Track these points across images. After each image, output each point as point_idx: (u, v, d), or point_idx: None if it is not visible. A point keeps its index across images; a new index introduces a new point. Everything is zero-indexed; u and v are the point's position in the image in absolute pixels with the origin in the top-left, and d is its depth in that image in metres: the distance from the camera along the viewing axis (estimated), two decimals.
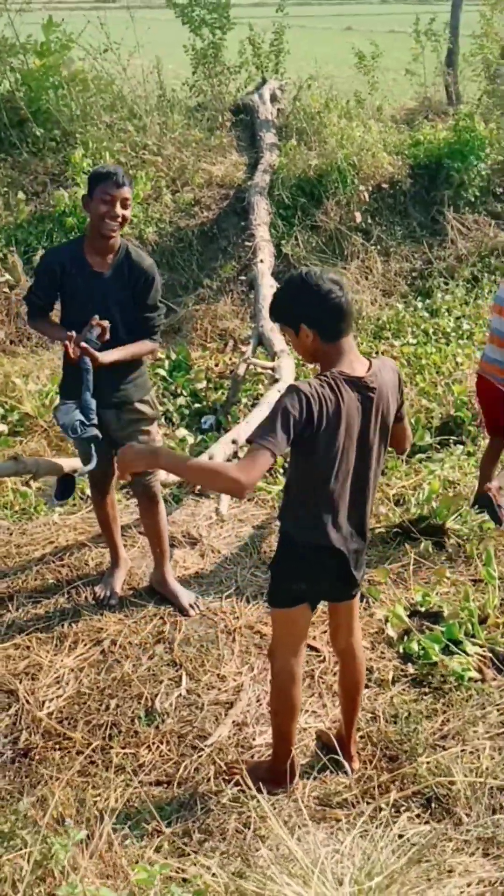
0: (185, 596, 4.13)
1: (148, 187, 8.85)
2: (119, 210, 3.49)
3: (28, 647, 3.91)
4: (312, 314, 2.62)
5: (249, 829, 2.81)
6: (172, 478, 4.72)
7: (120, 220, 3.51)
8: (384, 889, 2.34)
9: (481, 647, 3.83)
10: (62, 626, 4.03)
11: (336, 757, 3.12)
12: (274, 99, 10.85)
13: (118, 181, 3.44)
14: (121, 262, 3.59)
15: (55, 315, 3.90)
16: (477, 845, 2.76)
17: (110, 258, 3.57)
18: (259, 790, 2.85)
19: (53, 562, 4.45)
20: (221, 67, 11.08)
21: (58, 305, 3.82)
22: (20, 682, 3.70)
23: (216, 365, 7.38)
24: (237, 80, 11.23)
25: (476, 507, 4.78)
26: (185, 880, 2.48)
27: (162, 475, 4.19)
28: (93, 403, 3.57)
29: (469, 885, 2.48)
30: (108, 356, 3.55)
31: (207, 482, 2.58)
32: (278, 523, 2.92)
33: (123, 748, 3.37)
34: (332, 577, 2.84)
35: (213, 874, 2.31)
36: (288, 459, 2.82)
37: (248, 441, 2.58)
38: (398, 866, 2.42)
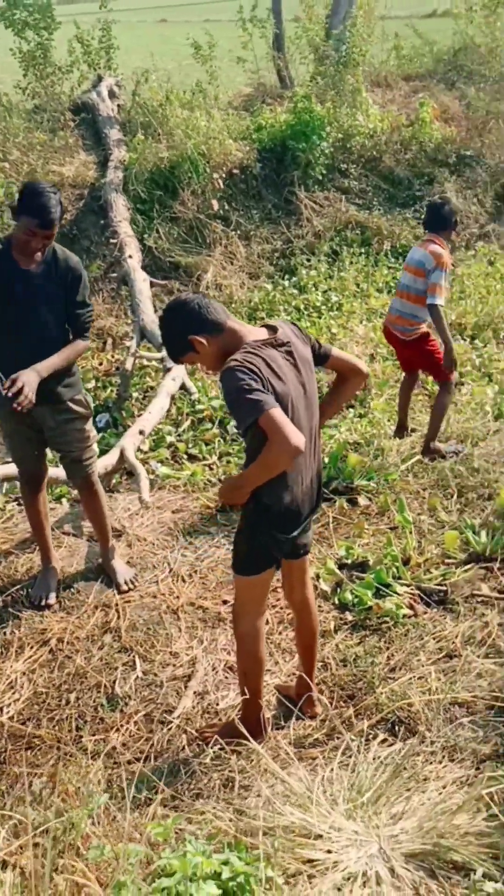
0: (122, 573, 4.31)
1: (0, 195, 8.72)
2: (39, 244, 3.53)
3: None
4: (190, 325, 2.85)
5: (236, 780, 2.97)
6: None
7: (40, 248, 3.56)
8: (374, 802, 2.57)
9: (408, 586, 4.13)
10: (4, 633, 4.04)
11: (311, 694, 3.34)
12: (113, 95, 10.86)
13: (44, 223, 3.43)
14: (48, 261, 3.63)
15: None
16: (443, 754, 3.04)
17: (38, 256, 3.60)
18: (239, 744, 3.03)
19: None
20: (52, 68, 10.99)
21: None
22: None
23: (100, 364, 7.43)
24: (70, 79, 11.16)
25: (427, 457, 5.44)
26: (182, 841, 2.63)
27: (100, 468, 4.32)
28: None
29: (444, 787, 2.74)
30: (44, 368, 3.61)
31: (272, 469, 2.72)
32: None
33: (93, 735, 3.46)
34: (298, 534, 3.03)
35: (219, 817, 2.47)
36: (239, 439, 2.95)
37: (247, 427, 2.68)
38: (382, 781, 2.66)
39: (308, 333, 3.05)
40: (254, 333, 2.90)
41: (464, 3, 13.02)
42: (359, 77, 10.78)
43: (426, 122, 10.67)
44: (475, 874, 2.28)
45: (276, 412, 2.61)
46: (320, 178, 9.89)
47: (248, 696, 3.14)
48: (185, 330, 2.85)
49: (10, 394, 3.43)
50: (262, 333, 2.91)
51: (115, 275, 8.31)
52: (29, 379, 3.50)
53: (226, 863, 2.20)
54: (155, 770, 3.21)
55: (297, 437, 2.61)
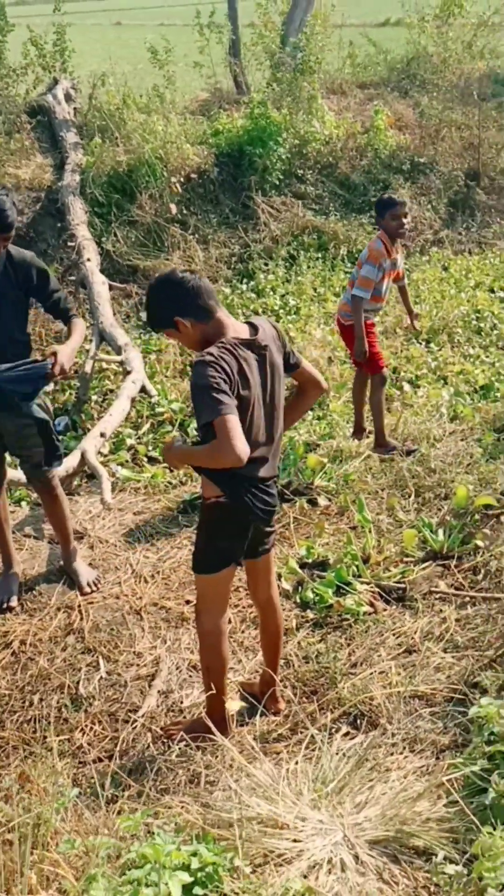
0: (85, 575, 4.31)
1: None
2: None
3: None
4: (180, 305, 2.88)
5: (202, 776, 3.01)
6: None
7: None
8: (338, 792, 2.64)
9: (368, 584, 4.21)
10: None
11: (274, 690, 3.41)
12: (69, 98, 10.82)
13: (2, 227, 3.47)
14: (4, 261, 3.64)
15: None
16: (403, 745, 3.12)
17: None
18: (205, 740, 3.07)
19: None
20: (6, 70, 10.93)
21: None
22: None
23: None
24: (25, 81, 11.10)
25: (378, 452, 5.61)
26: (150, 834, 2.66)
27: (61, 470, 4.37)
28: None
29: (406, 776, 2.82)
30: (73, 349, 3.79)
31: (213, 462, 2.82)
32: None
33: (59, 736, 3.47)
34: (258, 529, 3.09)
35: (187, 810, 2.52)
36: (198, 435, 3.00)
37: (204, 425, 2.77)
38: (345, 772, 2.72)
39: (285, 339, 3.11)
40: (237, 329, 2.94)
41: (416, 12, 13.21)
42: (314, 84, 10.89)
43: (381, 129, 10.82)
44: (436, 858, 2.35)
45: (231, 419, 2.68)
46: (277, 183, 9.97)
47: (213, 692, 3.19)
48: (173, 309, 2.88)
49: (56, 372, 3.67)
50: (245, 331, 2.96)
51: (73, 278, 8.30)
52: (67, 355, 3.72)
53: (194, 854, 2.25)
54: (121, 768, 3.24)
55: (243, 449, 2.69)
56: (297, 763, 2.90)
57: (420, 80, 12.61)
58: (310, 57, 10.96)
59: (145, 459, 6.03)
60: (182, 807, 2.61)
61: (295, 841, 2.41)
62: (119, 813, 2.70)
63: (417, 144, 11.25)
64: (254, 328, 2.97)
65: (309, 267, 9.17)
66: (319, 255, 9.42)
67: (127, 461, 5.95)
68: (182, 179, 9.46)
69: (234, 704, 3.48)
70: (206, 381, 2.71)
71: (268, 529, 3.20)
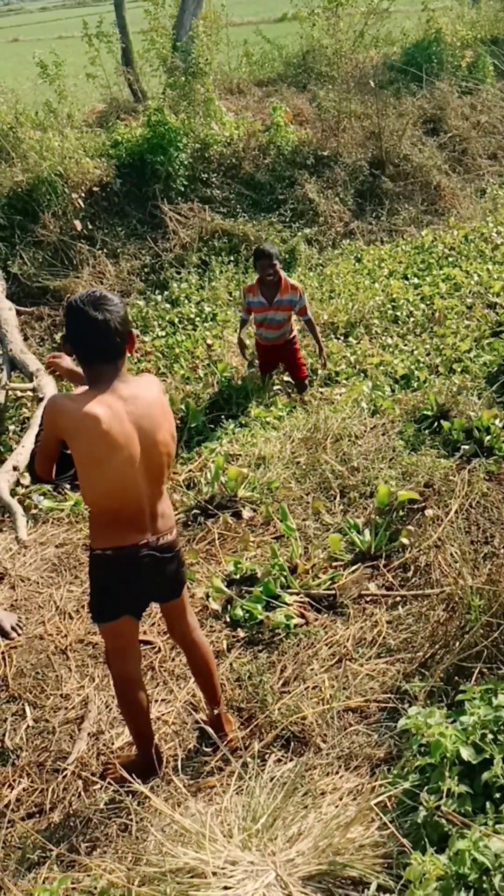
0: (6, 619, 4.13)
1: None
2: None
3: None
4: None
5: (133, 824, 2.88)
6: None
7: None
8: (270, 827, 2.53)
9: (297, 594, 4.11)
10: None
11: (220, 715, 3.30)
12: None
13: None
14: None
15: None
16: (338, 764, 3.02)
17: None
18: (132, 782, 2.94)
19: None
20: None
21: None
22: None
23: None
24: None
25: None
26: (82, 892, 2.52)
27: None
28: None
29: (341, 798, 2.73)
30: None
31: None
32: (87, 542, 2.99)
33: None
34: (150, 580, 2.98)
35: (112, 870, 2.38)
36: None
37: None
38: (277, 804, 2.62)
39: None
40: None
41: (305, 6, 13.17)
42: (209, 86, 10.78)
43: (281, 125, 10.76)
44: (371, 889, 2.26)
45: None
46: (182, 189, 9.85)
47: (135, 737, 3.07)
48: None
49: None
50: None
51: None
52: None
53: None
54: (51, 823, 3.09)
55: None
56: (230, 797, 2.79)
57: (316, 73, 12.58)
58: (199, 59, 10.83)
59: (68, 486, 5.84)
60: (108, 868, 2.46)
61: (226, 888, 2.29)
62: (45, 881, 2.55)
63: (319, 138, 11.20)
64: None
65: (222, 272, 9.06)
66: (231, 259, 9.32)
67: (49, 491, 5.76)
68: (84, 194, 9.28)
69: None
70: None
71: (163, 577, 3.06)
